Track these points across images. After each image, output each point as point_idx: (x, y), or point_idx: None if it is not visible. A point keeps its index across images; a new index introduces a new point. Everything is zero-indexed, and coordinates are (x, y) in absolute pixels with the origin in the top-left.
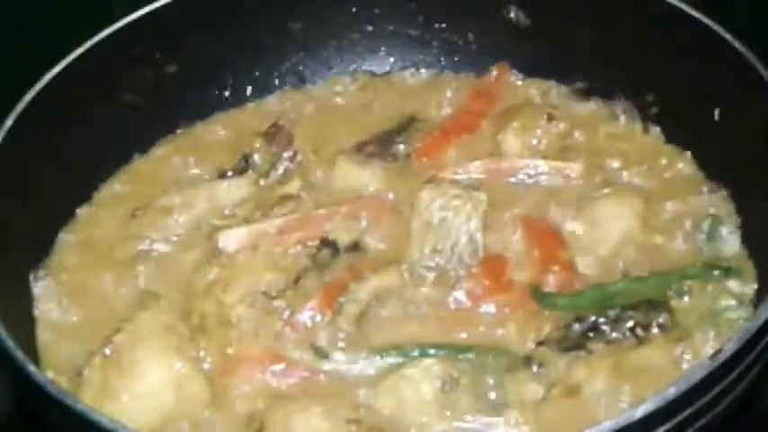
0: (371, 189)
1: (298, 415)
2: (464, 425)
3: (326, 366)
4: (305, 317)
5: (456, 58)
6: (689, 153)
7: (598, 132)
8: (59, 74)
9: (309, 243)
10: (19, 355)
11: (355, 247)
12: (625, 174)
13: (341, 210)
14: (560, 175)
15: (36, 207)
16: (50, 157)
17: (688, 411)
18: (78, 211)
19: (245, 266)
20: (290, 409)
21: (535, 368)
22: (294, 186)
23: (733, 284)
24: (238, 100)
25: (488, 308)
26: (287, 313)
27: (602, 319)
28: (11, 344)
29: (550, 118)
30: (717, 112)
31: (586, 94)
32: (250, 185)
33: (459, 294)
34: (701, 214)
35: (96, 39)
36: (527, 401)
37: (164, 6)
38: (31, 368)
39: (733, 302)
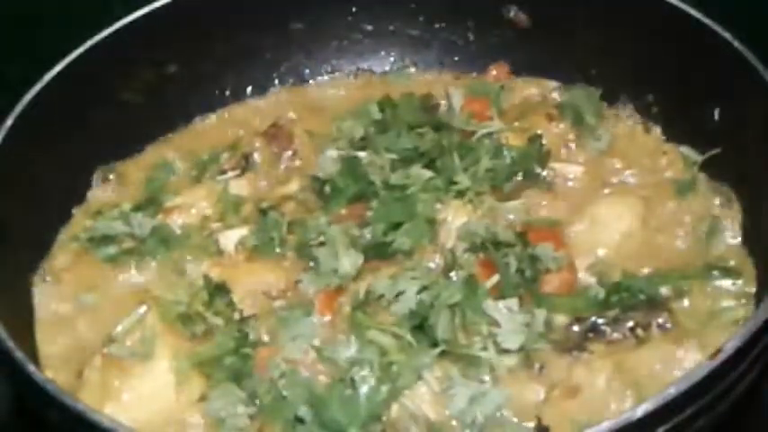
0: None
1: None
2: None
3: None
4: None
5: (456, 58)
6: (689, 153)
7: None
8: (59, 74)
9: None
10: (19, 355)
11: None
12: (625, 174)
13: (341, 211)
14: (560, 175)
15: (36, 207)
16: (50, 156)
17: (688, 411)
18: (77, 210)
19: (246, 267)
20: None
21: (536, 369)
22: (294, 186)
23: (733, 284)
24: (238, 100)
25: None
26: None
27: (602, 320)
28: (11, 344)
29: (551, 118)
30: (717, 112)
31: None
32: (250, 185)
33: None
34: (701, 214)
35: (96, 39)
36: (528, 402)
37: (164, 6)
38: (31, 368)
39: (733, 302)
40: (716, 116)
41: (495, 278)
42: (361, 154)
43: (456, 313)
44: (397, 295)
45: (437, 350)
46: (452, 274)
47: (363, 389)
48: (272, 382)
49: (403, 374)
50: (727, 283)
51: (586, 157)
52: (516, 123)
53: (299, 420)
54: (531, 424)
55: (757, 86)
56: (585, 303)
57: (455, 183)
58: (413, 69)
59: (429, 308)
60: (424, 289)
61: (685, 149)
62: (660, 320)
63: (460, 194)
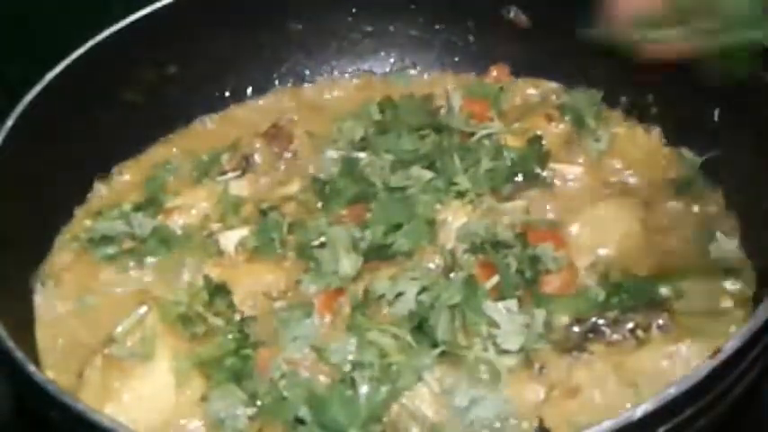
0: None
1: None
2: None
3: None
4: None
5: (456, 59)
6: (689, 153)
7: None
8: (60, 74)
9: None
10: (19, 355)
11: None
12: (625, 174)
13: (342, 213)
14: (560, 176)
15: (36, 207)
16: (51, 157)
17: (688, 411)
18: (78, 210)
19: (246, 268)
20: None
21: (536, 369)
22: (294, 187)
23: (732, 285)
24: (238, 100)
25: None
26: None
27: (602, 321)
28: (11, 344)
29: (550, 119)
30: (717, 112)
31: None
32: (250, 185)
33: None
34: (700, 215)
35: (97, 39)
36: (528, 402)
37: (164, 7)
38: (32, 368)
39: (732, 303)
40: (715, 117)
41: (495, 279)
42: (361, 155)
43: (456, 314)
44: (397, 296)
45: (437, 351)
46: (452, 274)
47: (363, 389)
48: (272, 382)
49: (403, 375)
50: (726, 283)
51: (586, 157)
52: (516, 124)
53: (300, 421)
54: (532, 424)
55: (757, 87)
56: (585, 304)
57: (455, 184)
58: (413, 70)
59: (429, 309)
60: (423, 290)
61: (685, 150)
62: (660, 321)
63: (460, 195)
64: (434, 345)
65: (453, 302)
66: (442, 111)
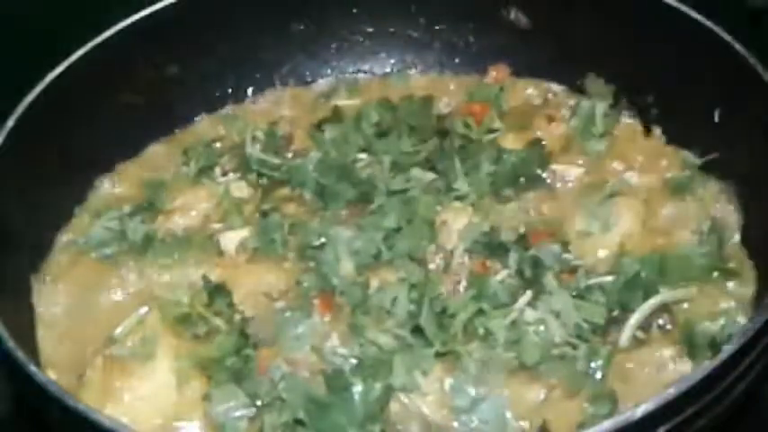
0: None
1: None
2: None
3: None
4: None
5: (456, 60)
6: (689, 154)
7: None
8: (60, 75)
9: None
10: (20, 355)
11: None
12: (626, 175)
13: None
14: (561, 177)
15: (37, 207)
16: (51, 157)
17: (688, 411)
18: (78, 211)
19: (246, 268)
20: None
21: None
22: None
23: (733, 285)
24: (239, 101)
25: None
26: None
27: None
28: (12, 344)
29: (550, 119)
30: (717, 112)
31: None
32: (250, 186)
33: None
34: (700, 215)
35: (97, 40)
36: (528, 402)
37: (164, 8)
38: (32, 368)
39: (733, 303)
40: (716, 117)
41: (496, 279)
42: (361, 156)
43: (456, 314)
44: (397, 296)
45: (437, 350)
46: (453, 275)
47: (359, 388)
48: (272, 383)
49: (403, 374)
50: (726, 283)
51: (586, 158)
52: (517, 125)
53: (300, 423)
54: (532, 424)
55: (757, 87)
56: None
57: (455, 187)
58: (413, 71)
59: (428, 309)
60: (423, 291)
61: (685, 151)
62: (660, 321)
63: (461, 197)
64: (434, 344)
65: (453, 303)
66: (442, 112)
